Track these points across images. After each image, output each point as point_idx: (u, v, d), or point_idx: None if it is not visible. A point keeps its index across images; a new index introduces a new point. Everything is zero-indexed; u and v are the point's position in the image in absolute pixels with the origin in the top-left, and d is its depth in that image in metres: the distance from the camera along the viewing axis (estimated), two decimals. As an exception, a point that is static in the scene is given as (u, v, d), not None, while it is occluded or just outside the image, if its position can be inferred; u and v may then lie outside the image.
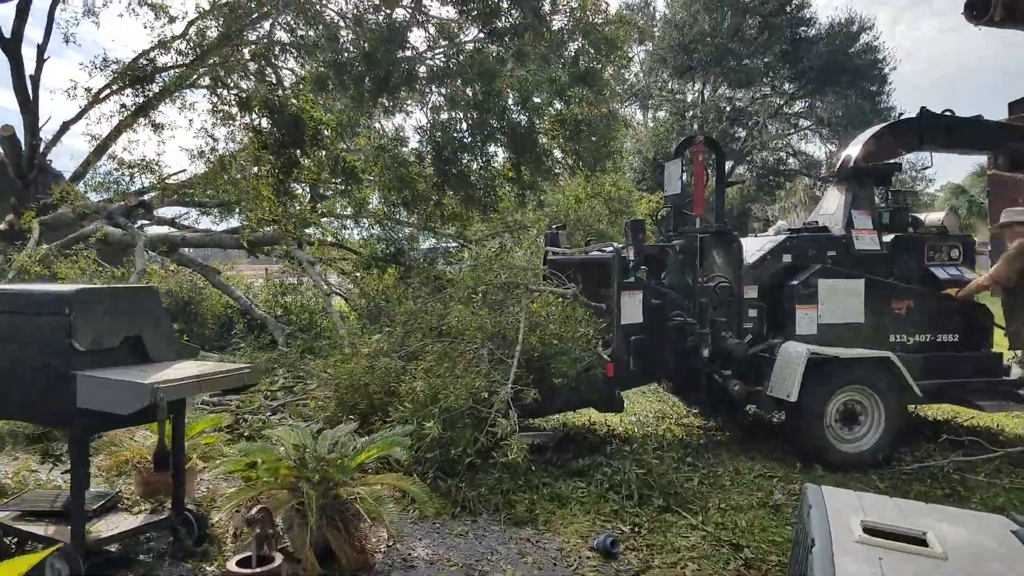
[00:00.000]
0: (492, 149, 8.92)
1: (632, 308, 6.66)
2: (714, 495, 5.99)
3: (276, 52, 8.25)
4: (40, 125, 16.47)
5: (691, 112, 34.25)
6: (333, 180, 9.08)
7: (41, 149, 16.33)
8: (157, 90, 13.52)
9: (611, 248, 7.00)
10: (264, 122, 8.34)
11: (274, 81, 8.38)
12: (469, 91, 8.22)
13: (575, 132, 8.84)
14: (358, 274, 14.52)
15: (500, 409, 5.67)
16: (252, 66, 8.10)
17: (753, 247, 7.82)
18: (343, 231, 13.75)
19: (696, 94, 35.34)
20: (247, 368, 4.45)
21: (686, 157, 7.94)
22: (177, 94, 12.15)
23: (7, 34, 15.28)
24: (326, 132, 8.46)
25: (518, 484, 5.88)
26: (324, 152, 8.69)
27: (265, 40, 8.21)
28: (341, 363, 7.07)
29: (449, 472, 5.88)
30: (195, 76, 9.17)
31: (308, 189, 10.65)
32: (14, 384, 4.33)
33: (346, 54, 7.87)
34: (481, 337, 6.35)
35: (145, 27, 9.06)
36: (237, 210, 12.55)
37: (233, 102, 8.52)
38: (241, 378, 4.42)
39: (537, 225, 13.97)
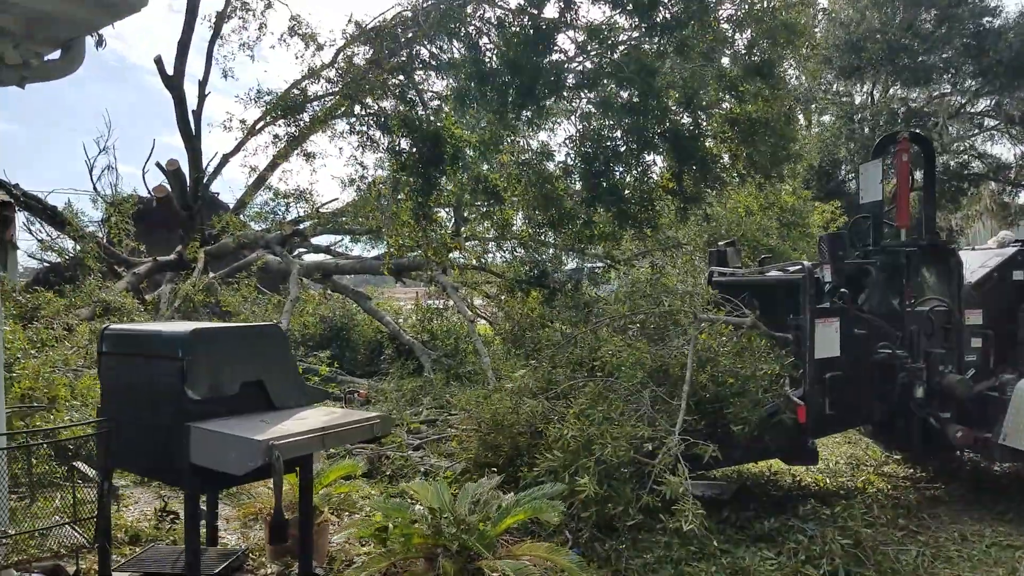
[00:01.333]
0: (649, 158, 7.99)
1: (828, 339, 5.49)
2: (940, 571, 4.88)
3: (417, 67, 7.90)
4: (209, 161, 17.50)
5: (860, 115, 31.30)
6: (475, 201, 8.57)
7: (204, 181, 17.30)
8: (308, 120, 13.78)
9: (799, 267, 5.86)
10: (404, 143, 7.97)
11: (415, 99, 8.02)
12: (624, 93, 7.37)
13: (749, 133, 7.71)
14: (502, 297, 14.02)
15: (667, 463, 4.73)
16: (393, 83, 7.77)
17: (973, 263, 6.43)
18: (487, 254, 13.24)
19: (865, 95, 32.31)
20: (376, 418, 3.84)
21: (887, 158, 6.64)
22: (329, 123, 12.18)
23: (170, 71, 16.31)
24: (468, 150, 7.95)
25: (691, 552, 4.92)
26: (465, 172, 8.18)
27: (404, 58, 7.88)
28: (483, 399, 6.41)
29: (607, 531, 5.03)
30: (343, 106, 9.01)
31: (452, 212, 10.22)
32: (131, 433, 3.98)
33: (488, 63, 7.33)
34: (640, 375, 5.44)
35: (296, 57, 9.14)
36: (382, 237, 12.45)
37: (372, 123, 8.24)
38: (369, 429, 3.82)
39: (694, 242, 12.80)
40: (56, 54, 4.54)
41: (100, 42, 4.78)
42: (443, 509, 3.87)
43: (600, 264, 14.44)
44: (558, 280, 13.54)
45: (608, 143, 7.41)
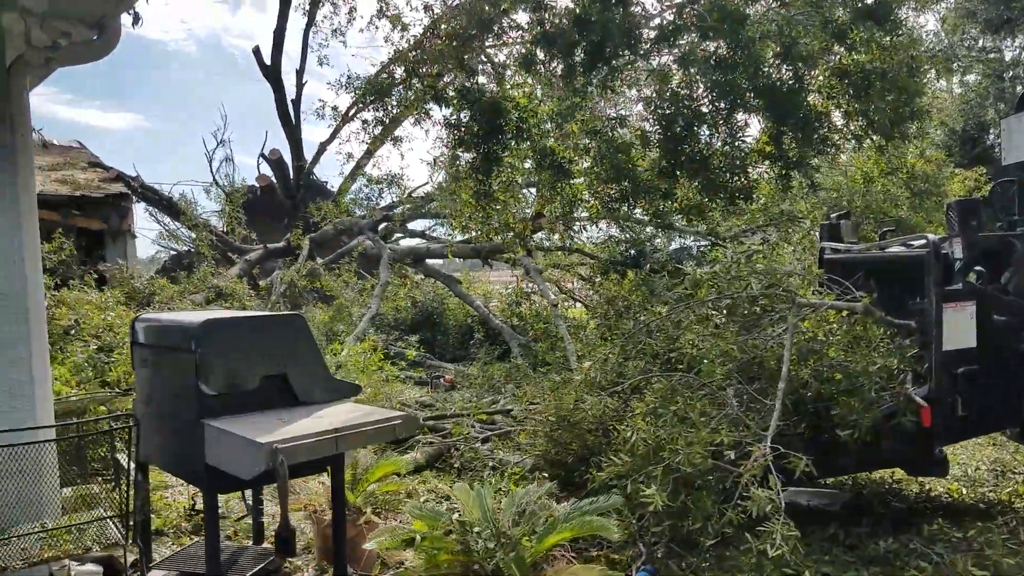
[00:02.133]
0: (741, 117, 7.03)
1: (960, 327, 4.57)
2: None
3: (482, 37, 7.40)
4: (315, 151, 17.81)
5: (1011, 73, 27.98)
6: (538, 175, 7.98)
7: (304, 169, 17.62)
8: (395, 103, 13.63)
9: (924, 241, 4.93)
10: (462, 116, 7.51)
11: (474, 68, 7.52)
12: (710, 45, 6.50)
13: (862, 87, 6.60)
14: (596, 279, 13.38)
15: (755, 471, 4.02)
16: (450, 50, 7.30)
17: None
18: (582, 233, 12.56)
19: (1017, 51, 28.85)
20: (398, 418, 3.41)
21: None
22: (415, 106, 11.80)
23: (267, 62, 16.63)
24: (530, 120, 7.36)
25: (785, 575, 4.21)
26: (528, 143, 7.60)
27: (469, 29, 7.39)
28: (551, 390, 5.88)
29: (687, 547, 4.41)
30: (406, 81, 8.58)
31: (538, 192, 9.60)
32: (157, 427, 3.76)
33: (554, 23, 6.68)
34: (725, 369, 4.73)
35: (385, 40, 8.81)
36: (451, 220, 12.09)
37: (429, 96, 7.78)
38: (391, 431, 3.40)
39: (811, 216, 11.62)
40: (91, 35, 4.36)
41: (136, 20, 4.56)
42: (477, 522, 3.39)
43: (704, 243, 13.48)
44: (657, 260, 12.74)
45: (689, 103, 6.55)
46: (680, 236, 13.54)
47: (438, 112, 8.41)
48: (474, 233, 10.78)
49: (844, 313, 5.11)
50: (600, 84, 7.07)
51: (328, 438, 3.14)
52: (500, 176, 7.98)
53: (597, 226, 10.28)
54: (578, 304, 14.35)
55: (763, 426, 4.43)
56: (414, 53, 7.66)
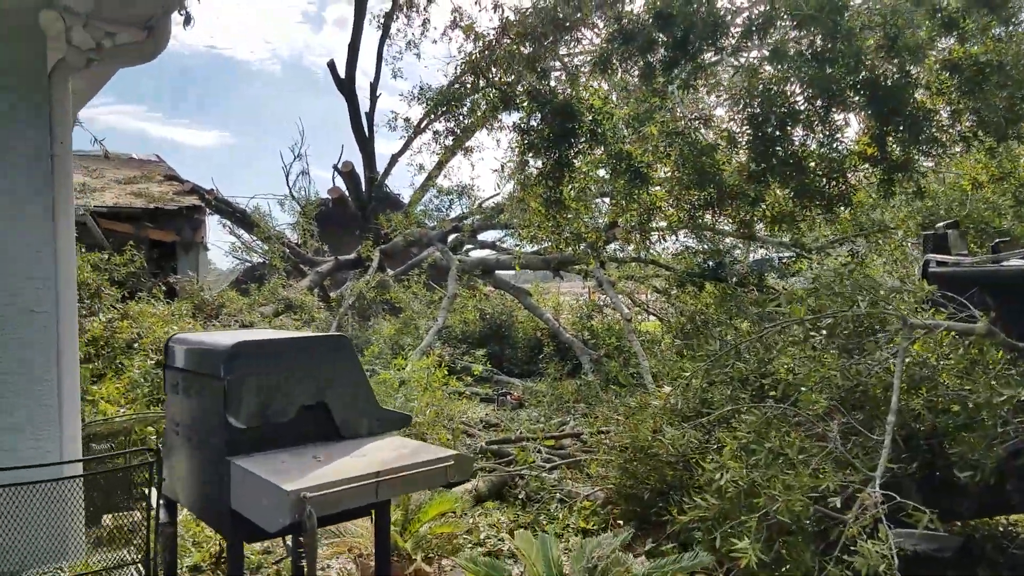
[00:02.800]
0: (840, 117, 6.31)
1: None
2: None
3: (556, 37, 6.98)
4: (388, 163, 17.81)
5: None
6: (613, 182, 7.44)
7: (377, 181, 17.59)
8: (466, 112, 13.39)
9: (1066, 252, 4.20)
10: (532, 120, 7.06)
11: (546, 70, 7.08)
12: (804, 37, 5.85)
13: (975, 82, 5.82)
14: (672, 292, 12.74)
15: (864, 523, 3.43)
16: (523, 53, 6.90)
17: None
18: (659, 243, 11.95)
19: None
20: (450, 459, 2.99)
21: None
22: (489, 115, 11.49)
23: (342, 75, 16.69)
24: (605, 123, 6.85)
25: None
26: (602, 148, 7.09)
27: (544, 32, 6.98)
28: (628, 416, 5.36)
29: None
30: (474, 83, 8.19)
31: (612, 200, 9.06)
32: (184, 463, 3.46)
33: (631, 18, 6.18)
34: (827, 399, 4.12)
35: (458, 51, 8.55)
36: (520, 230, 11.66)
37: (497, 99, 7.37)
38: (442, 474, 2.98)
39: (903, 225, 10.69)
40: (139, 35, 4.16)
41: (188, 20, 4.35)
42: (538, 582, 2.93)
43: (788, 254, 12.65)
44: (737, 272, 12.01)
45: (781, 100, 5.89)
46: (762, 247, 12.75)
47: (509, 119, 8.06)
48: (544, 244, 10.32)
49: (959, 336, 4.42)
50: (683, 83, 6.51)
51: (367, 484, 2.75)
52: (572, 183, 7.49)
53: (676, 236, 9.66)
54: (652, 317, 13.72)
55: (870, 465, 3.81)
56: (484, 55, 7.32)
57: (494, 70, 7.31)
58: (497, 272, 15.44)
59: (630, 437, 4.97)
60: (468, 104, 12.26)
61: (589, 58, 7.09)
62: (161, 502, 3.87)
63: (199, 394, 3.31)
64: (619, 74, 7.00)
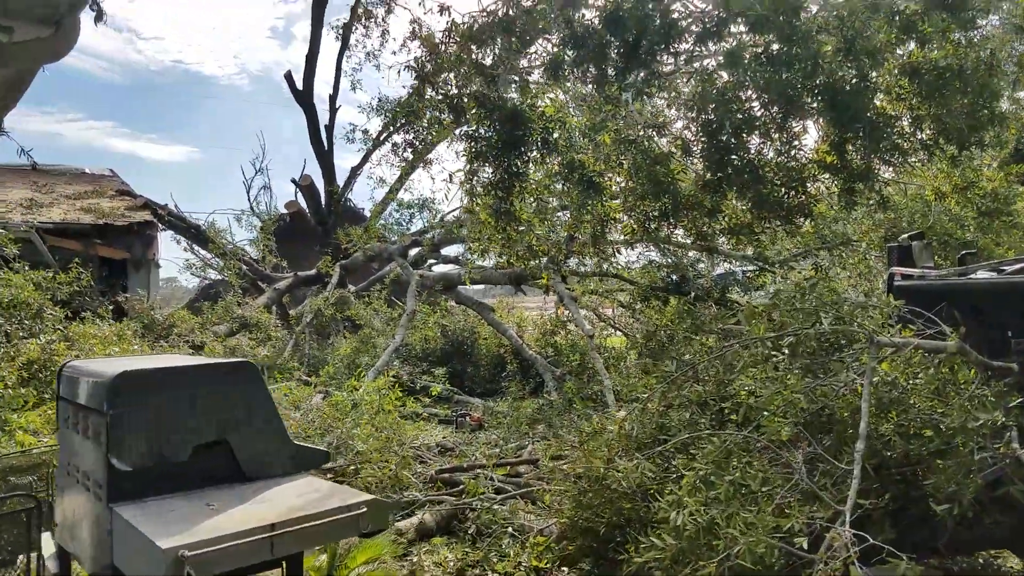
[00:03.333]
0: (797, 124, 6.10)
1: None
2: None
3: (500, 45, 6.69)
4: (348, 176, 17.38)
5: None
6: (569, 194, 7.15)
7: (336, 195, 17.16)
8: (426, 125, 13.09)
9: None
10: (481, 129, 6.74)
11: (494, 76, 6.76)
12: (759, 41, 5.63)
13: (935, 88, 5.66)
14: (636, 306, 12.49)
15: (834, 567, 3.12)
16: (470, 59, 6.58)
17: None
18: (616, 257, 11.71)
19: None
20: (361, 506, 2.61)
21: None
22: (442, 128, 11.11)
23: (300, 86, 16.26)
24: (557, 132, 6.57)
25: None
26: (556, 157, 6.80)
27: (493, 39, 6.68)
28: (583, 443, 5.01)
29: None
30: (422, 92, 7.83)
31: (575, 212, 8.74)
32: (70, 510, 3.04)
33: (584, 25, 5.91)
34: (791, 423, 3.83)
35: (415, 62, 8.19)
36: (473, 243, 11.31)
37: (445, 106, 7.03)
38: (352, 523, 2.60)
39: (866, 237, 10.58)
40: (44, 31, 3.76)
41: (99, 16, 3.98)
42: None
43: (751, 268, 12.50)
44: (701, 287, 11.80)
45: (737, 105, 5.65)
46: (725, 260, 12.57)
47: (451, 122, 7.69)
48: (495, 258, 9.97)
49: (927, 353, 4.17)
50: (637, 91, 6.26)
51: (259, 539, 2.36)
52: (523, 194, 7.16)
53: (634, 249, 9.41)
54: (619, 333, 13.46)
55: (839, 498, 3.52)
56: (430, 59, 6.97)
57: (442, 76, 6.97)
58: (460, 287, 15.07)
59: (584, 466, 4.63)
60: (427, 116, 11.94)
61: (542, 64, 6.82)
62: (51, 552, 3.43)
63: (87, 430, 2.90)
64: (571, 81, 6.72)
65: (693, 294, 10.93)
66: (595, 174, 6.56)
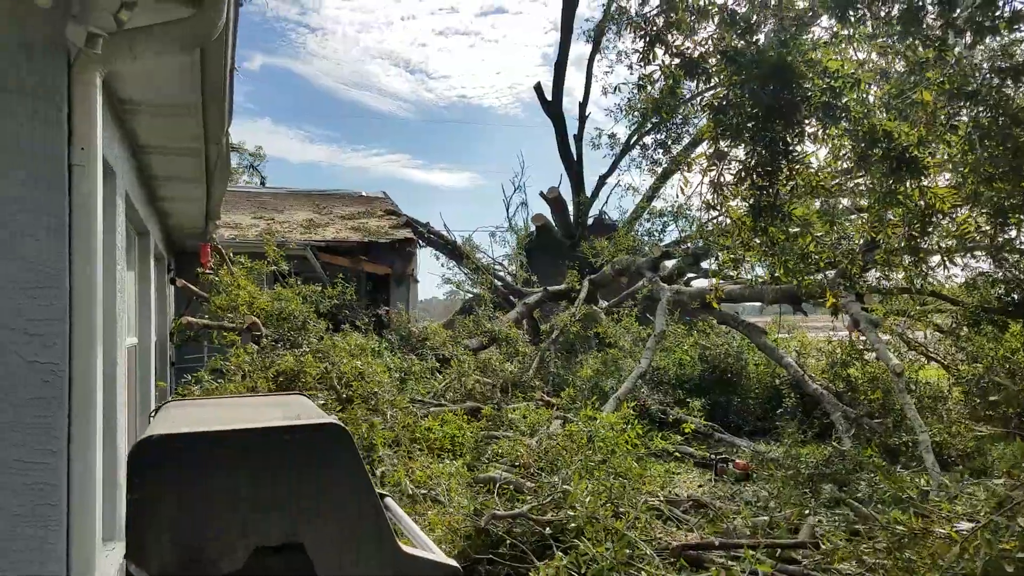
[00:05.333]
0: None
1: None
2: None
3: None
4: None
5: None
6: (866, 176, 5.12)
7: (583, 207, 16.25)
8: (680, 122, 11.62)
9: None
10: (733, 94, 5.03)
11: (751, 26, 5.02)
12: None
13: None
14: (961, 332, 9.70)
15: None
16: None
17: None
18: (941, 269, 9.03)
19: None
20: None
21: None
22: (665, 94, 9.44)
23: (549, 97, 15.61)
24: (846, 90, 4.60)
25: None
26: (844, 125, 4.81)
27: None
28: (895, 549, 3.21)
29: None
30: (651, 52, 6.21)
31: (877, 206, 6.48)
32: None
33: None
34: None
35: (640, 18, 6.79)
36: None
37: (681, 69, 5.35)
38: None
39: None
40: (182, 11, 3.10)
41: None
42: None
43: None
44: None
45: None
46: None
47: (690, 89, 6.14)
48: (756, 270, 8.06)
49: None
50: (974, 24, 4.23)
51: None
52: (794, 181, 5.30)
53: (973, 256, 6.90)
54: (934, 362, 10.62)
55: None
56: (660, 10, 5.49)
57: (679, 32, 5.44)
58: (722, 305, 13.20)
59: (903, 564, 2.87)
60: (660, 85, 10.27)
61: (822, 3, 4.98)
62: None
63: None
64: (867, 22, 4.79)
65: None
66: (911, 146, 4.56)
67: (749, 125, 4.99)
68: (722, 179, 5.68)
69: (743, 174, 5.30)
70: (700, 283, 15.60)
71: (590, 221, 18.66)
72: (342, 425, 1.97)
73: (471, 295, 20.94)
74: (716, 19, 5.28)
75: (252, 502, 1.82)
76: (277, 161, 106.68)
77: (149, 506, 1.75)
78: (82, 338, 2.45)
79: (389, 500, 2.91)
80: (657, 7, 5.43)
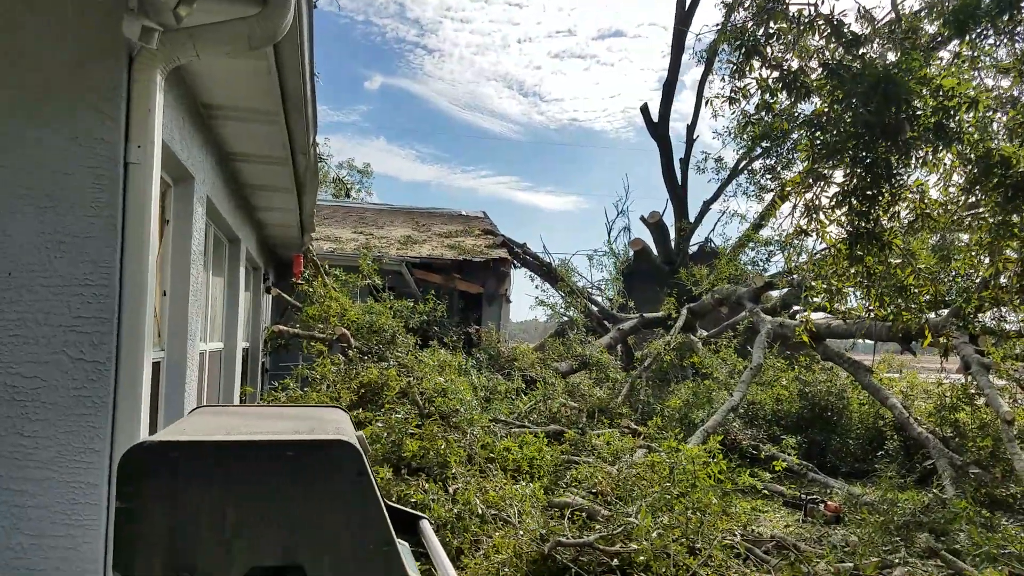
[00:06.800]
0: None
1: None
2: None
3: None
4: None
5: None
6: (983, 201, 4.58)
7: (685, 232, 15.79)
8: (791, 146, 11.11)
9: None
10: (834, 111, 4.65)
11: (857, 38, 4.65)
12: None
13: None
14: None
15: None
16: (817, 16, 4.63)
17: None
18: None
19: None
20: None
21: None
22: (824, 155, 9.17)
23: (655, 118, 15.29)
24: (960, 110, 4.13)
25: None
26: (956, 147, 4.32)
27: None
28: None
29: None
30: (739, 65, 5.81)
31: (992, 238, 5.85)
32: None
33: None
34: None
35: (733, 30, 6.32)
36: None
37: (779, 84, 4.99)
38: None
39: None
40: (246, 9, 3.19)
41: (313, -3, 3.35)
42: None
43: None
44: None
45: None
46: None
47: (788, 106, 5.73)
48: (850, 302, 7.46)
49: None
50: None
51: None
52: (897, 205, 4.88)
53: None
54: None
55: None
56: (758, 17, 5.20)
57: (774, 44, 5.14)
58: (827, 340, 12.42)
59: None
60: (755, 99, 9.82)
61: (937, 16, 4.56)
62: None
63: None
64: (991, 37, 4.35)
65: None
66: (1029, 170, 4.10)
67: (850, 144, 4.63)
68: (818, 202, 5.31)
69: (841, 197, 4.93)
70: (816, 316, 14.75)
71: (693, 248, 18.14)
72: (352, 443, 1.91)
73: (565, 318, 20.80)
74: (821, 30, 4.97)
75: (249, 517, 1.78)
76: (387, 179, 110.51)
77: (138, 519, 1.73)
78: (130, 337, 2.52)
79: (425, 523, 2.82)
80: (755, 17, 5.17)
